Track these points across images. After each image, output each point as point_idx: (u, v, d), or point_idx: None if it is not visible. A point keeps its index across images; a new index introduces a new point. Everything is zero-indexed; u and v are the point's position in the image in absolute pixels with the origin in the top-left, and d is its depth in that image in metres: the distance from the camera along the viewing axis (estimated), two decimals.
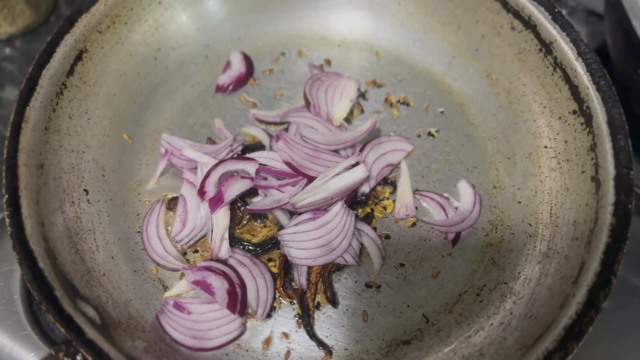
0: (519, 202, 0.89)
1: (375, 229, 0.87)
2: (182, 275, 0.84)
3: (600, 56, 0.81)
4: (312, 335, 0.80)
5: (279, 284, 0.83)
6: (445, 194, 0.91)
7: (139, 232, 0.87)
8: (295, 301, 0.82)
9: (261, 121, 0.97)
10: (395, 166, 0.93)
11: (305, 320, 0.80)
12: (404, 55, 1.03)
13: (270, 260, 0.85)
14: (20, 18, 1.22)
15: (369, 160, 0.90)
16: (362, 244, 0.86)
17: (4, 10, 1.18)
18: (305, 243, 0.83)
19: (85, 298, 0.72)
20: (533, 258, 0.82)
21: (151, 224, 0.86)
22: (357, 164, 0.85)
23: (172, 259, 0.84)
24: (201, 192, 0.83)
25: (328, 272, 0.83)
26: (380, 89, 1.02)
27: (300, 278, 0.83)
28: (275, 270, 0.84)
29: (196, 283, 0.79)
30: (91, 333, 0.65)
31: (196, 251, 0.86)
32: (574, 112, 0.83)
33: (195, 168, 0.89)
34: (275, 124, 0.97)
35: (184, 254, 0.86)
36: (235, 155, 0.89)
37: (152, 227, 0.86)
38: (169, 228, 0.87)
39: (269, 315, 0.81)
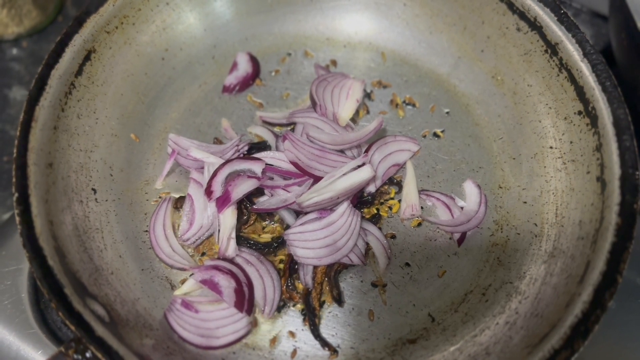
0: (525, 202, 0.89)
1: (380, 228, 0.88)
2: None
3: (604, 57, 0.82)
4: (317, 336, 0.80)
5: (282, 283, 0.83)
6: (451, 194, 0.91)
7: (146, 231, 0.87)
8: (296, 302, 0.82)
9: (268, 123, 0.98)
10: (401, 166, 0.93)
11: (311, 320, 0.81)
12: (410, 56, 1.04)
13: (276, 255, 0.86)
14: (27, 18, 1.22)
15: (374, 160, 0.91)
16: (367, 244, 0.86)
17: (11, 10, 1.18)
18: (311, 243, 0.83)
19: (93, 296, 0.73)
20: (539, 258, 0.83)
21: (158, 223, 0.87)
22: (363, 164, 0.86)
23: (179, 258, 0.84)
24: (208, 192, 0.83)
25: (334, 271, 0.84)
26: (386, 89, 1.02)
27: (306, 277, 0.83)
28: (281, 266, 0.84)
29: (204, 282, 0.80)
30: (100, 330, 0.66)
31: (203, 254, 0.86)
32: (580, 112, 0.83)
33: (202, 168, 0.89)
34: (282, 125, 0.97)
35: (191, 255, 0.86)
36: (242, 155, 0.90)
37: (159, 226, 0.86)
38: (177, 227, 0.87)
39: (276, 313, 0.81)
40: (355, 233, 0.84)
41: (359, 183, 0.84)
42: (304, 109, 0.97)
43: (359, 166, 0.85)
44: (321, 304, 0.82)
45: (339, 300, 0.83)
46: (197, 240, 0.86)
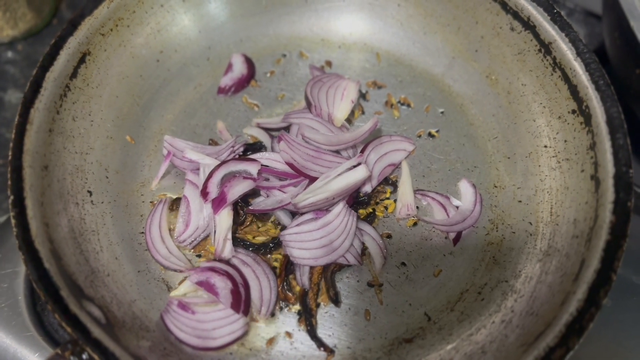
0: (520, 201, 0.89)
1: (376, 228, 0.88)
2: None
3: (598, 56, 0.82)
4: (314, 336, 0.80)
5: (278, 283, 0.83)
6: (446, 194, 0.91)
7: (142, 232, 0.87)
8: (292, 304, 0.82)
9: (265, 128, 0.97)
10: (397, 166, 0.93)
11: (307, 320, 0.81)
12: (404, 57, 1.04)
13: (272, 256, 0.86)
14: (22, 21, 1.22)
15: (370, 160, 0.91)
16: (363, 244, 0.86)
17: (6, 13, 1.18)
18: (307, 243, 0.83)
19: (90, 298, 0.73)
20: (534, 256, 0.83)
21: (154, 225, 0.87)
22: (358, 164, 0.86)
23: (175, 260, 0.84)
24: (204, 193, 0.83)
25: (330, 272, 0.84)
26: (380, 90, 1.02)
27: (302, 278, 0.83)
28: (276, 264, 0.85)
29: (200, 284, 0.80)
30: (97, 332, 0.66)
31: (199, 255, 0.86)
32: (573, 111, 0.83)
33: (198, 169, 0.89)
34: (279, 129, 0.97)
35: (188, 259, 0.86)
36: (237, 156, 0.90)
37: (155, 228, 0.86)
38: (172, 228, 0.87)
39: (272, 314, 0.81)
40: (352, 233, 0.84)
41: (355, 183, 0.84)
42: (299, 110, 0.97)
43: (354, 166, 0.85)
44: (317, 305, 0.82)
45: (335, 300, 0.83)
46: (193, 241, 0.86)
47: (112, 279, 0.80)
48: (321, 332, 0.81)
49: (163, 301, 0.82)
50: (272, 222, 0.88)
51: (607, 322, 0.91)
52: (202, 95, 1.01)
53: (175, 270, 0.84)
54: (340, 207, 0.84)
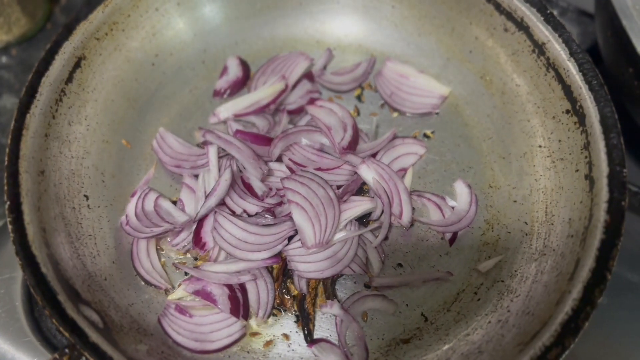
0: (515, 201, 0.90)
1: (373, 232, 0.88)
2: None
3: (591, 55, 0.82)
4: (310, 342, 0.81)
5: (276, 287, 0.83)
6: (442, 194, 0.92)
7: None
8: (287, 308, 0.83)
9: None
10: (407, 170, 0.93)
11: (305, 325, 0.81)
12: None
13: None
14: (16, 26, 1.22)
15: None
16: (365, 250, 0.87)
17: (0, 19, 1.18)
18: (311, 256, 0.83)
19: (87, 302, 0.73)
20: (529, 256, 0.83)
21: (142, 239, 0.86)
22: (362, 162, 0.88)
23: (157, 276, 0.84)
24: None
25: (331, 280, 0.84)
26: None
27: (300, 282, 0.83)
28: (275, 266, 0.85)
29: (197, 293, 0.80)
30: (94, 337, 0.66)
31: (196, 258, 0.86)
32: (567, 111, 0.84)
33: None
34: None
35: (184, 262, 0.86)
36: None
37: (143, 241, 0.86)
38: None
39: (271, 316, 0.82)
40: (355, 242, 0.84)
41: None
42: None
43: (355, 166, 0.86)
44: (315, 311, 0.82)
45: None
46: (186, 245, 0.86)
47: (109, 283, 0.80)
48: (319, 333, 0.81)
49: (160, 305, 0.82)
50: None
51: (602, 319, 0.92)
52: (198, 99, 1.01)
53: (154, 286, 0.84)
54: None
